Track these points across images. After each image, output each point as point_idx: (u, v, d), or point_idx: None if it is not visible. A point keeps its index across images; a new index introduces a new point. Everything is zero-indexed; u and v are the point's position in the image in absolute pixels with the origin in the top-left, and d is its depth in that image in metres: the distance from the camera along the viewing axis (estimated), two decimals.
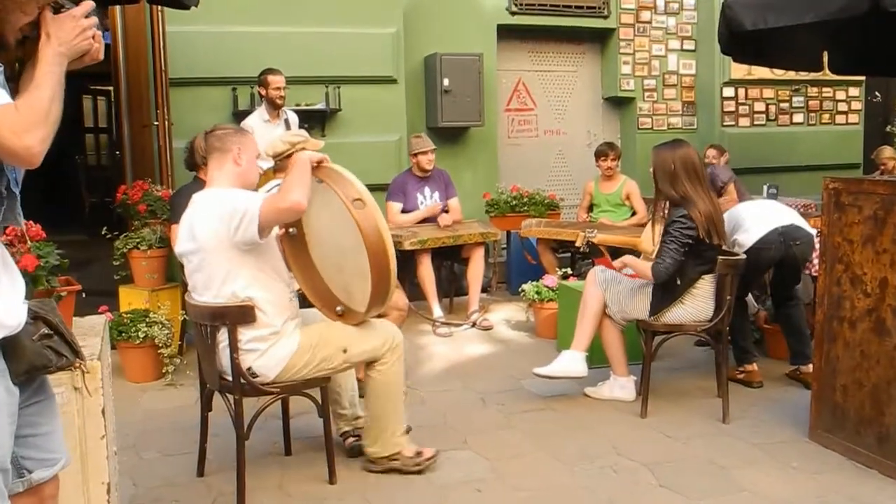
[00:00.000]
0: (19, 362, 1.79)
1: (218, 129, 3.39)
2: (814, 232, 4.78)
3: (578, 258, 7.12)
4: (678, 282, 4.23)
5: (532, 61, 8.69)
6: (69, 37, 1.77)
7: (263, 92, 6.17)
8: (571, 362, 4.49)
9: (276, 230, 3.33)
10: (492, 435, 4.10)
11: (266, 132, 6.01)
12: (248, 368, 3.19)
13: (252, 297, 3.14)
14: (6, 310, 1.75)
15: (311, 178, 3.14)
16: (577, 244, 4.41)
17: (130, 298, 5.54)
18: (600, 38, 8.83)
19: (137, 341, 4.91)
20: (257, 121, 6.12)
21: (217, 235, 3.08)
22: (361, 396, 3.98)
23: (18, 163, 1.69)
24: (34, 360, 1.82)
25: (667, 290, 4.25)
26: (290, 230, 3.40)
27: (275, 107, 6.17)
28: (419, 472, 3.58)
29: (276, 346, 3.22)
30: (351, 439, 3.77)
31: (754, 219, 4.80)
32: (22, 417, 1.85)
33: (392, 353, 3.46)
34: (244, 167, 3.30)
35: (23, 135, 1.64)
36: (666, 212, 4.34)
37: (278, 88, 6.13)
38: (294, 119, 6.41)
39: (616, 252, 5.03)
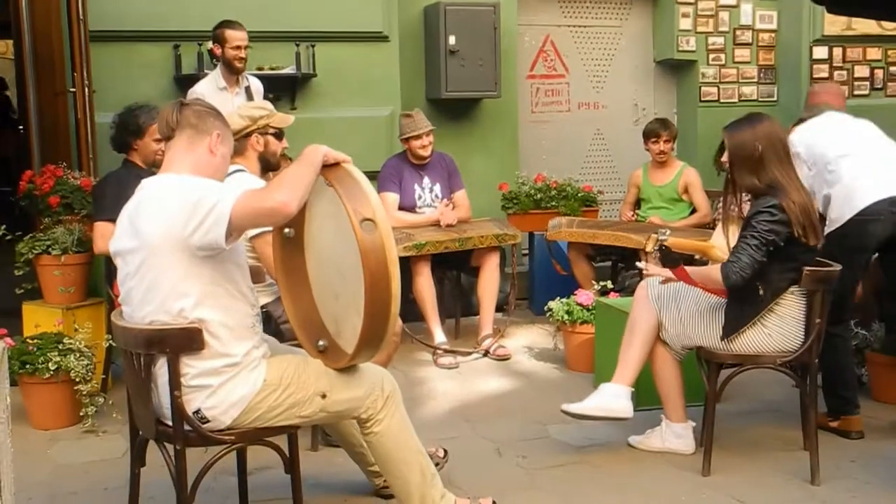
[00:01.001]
0: None
1: (197, 103, 3.39)
2: None
3: (621, 268, 7.13)
4: (761, 291, 4.21)
5: (563, 13, 8.72)
6: None
7: (218, 51, 6.20)
8: (612, 399, 4.49)
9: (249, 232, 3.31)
10: (510, 497, 4.08)
11: (221, 103, 6.01)
12: (196, 411, 3.19)
13: (204, 319, 3.14)
14: None
15: (314, 178, 3.13)
16: (648, 249, 4.38)
17: (38, 318, 5.55)
18: None
19: (47, 375, 4.91)
20: (210, 88, 6.15)
21: (169, 233, 3.06)
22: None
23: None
24: None
25: (747, 302, 4.22)
26: (287, 230, 3.40)
27: (233, 71, 6.20)
28: None
29: (233, 382, 3.20)
30: None
31: (860, 169, 4.72)
32: None
33: (386, 407, 3.47)
34: (218, 160, 3.31)
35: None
36: (742, 205, 4.33)
37: (238, 47, 6.16)
38: (258, 87, 6.43)
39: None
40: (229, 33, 6.13)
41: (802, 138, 4.87)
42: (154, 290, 3.13)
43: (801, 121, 5.22)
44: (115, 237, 3.30)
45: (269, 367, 3.29)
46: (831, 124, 5.01)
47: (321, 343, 3.42)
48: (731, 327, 4.27)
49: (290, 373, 3.30)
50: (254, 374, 3.24)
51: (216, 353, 3.16)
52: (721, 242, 4.64)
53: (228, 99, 6.07)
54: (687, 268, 4.37)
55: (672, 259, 4.29)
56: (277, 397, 3.26)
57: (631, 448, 4.63)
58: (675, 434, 4.57)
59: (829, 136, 4.94)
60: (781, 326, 4.24)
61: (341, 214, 3.12)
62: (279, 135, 4.50)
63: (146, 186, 3.26)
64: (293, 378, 3.30)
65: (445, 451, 4.32)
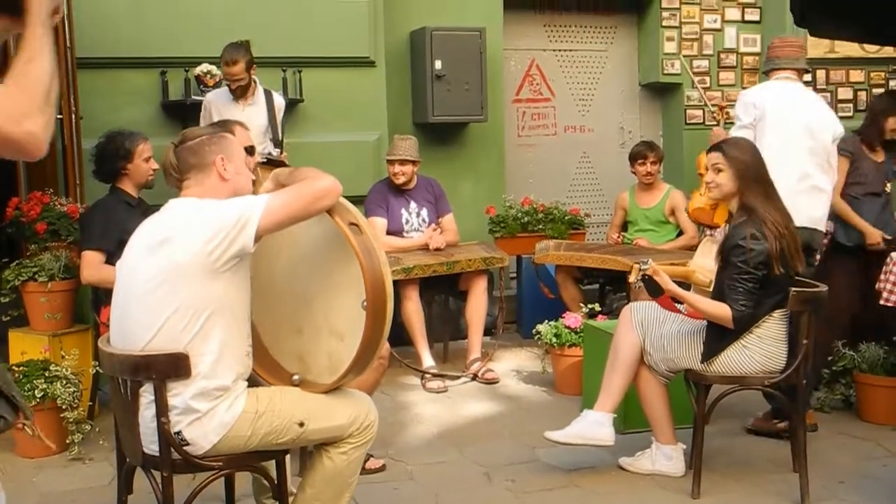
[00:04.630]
0: None
1: (188, 137, 3.36)
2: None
3: (609, 291, 7.12)
4: None
5: (549, 38, 8.76)
6: None
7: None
8: (594, 426, 4.49)
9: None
10: None
11: (230, 110, 6.06)
12: (177, 433, 3.16)
13: (208, 337, 3.11)
14: None
15: None
16: (632, 279, 4.39)
17: (24, 346, 5.51)
18: (637, 8, 8.92)
19: (33, 402, 4.86)
20: (222, 98, 6.24)
21: (196, 251, 3.06)
22: (297, 474, 3.97)
23: (19, 154, 1.79)
24: None
25: (725, 328, 4.27)
26: None
27: (231, 93, 6.23)
28: None
29: (220, 408, 3.18)
30: None
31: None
32: None
33: (359, 436, 3.41)
34: (232, 180, 3.30)
35: (23, 120, 1.73)
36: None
37: (228, 76, 6.21)
38: (280, 104, 6.47)
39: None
40: (222, 64, 6.17)
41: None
42: (165, 309, 3.10)
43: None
44: (128, 253, 3.26)
45: (248, 395, 3.27)
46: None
47: (296, 378, 3.41)
48: (711, 351, 4.29)
49: (267, 401, 3.27)
50: (237, 402, 3.21)
51: (208, 374, 3.13)
52: (702, 263, 4.65)
53: (238, 108, 6.16)
54: (693, 296, 4.37)
55: (655, 288, 4.30)
56: (253, 426, 3.23)
57: (620, 471, 4.62)
58: (664, 456, 4.56)
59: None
60: (762, 347, 4.26)
61: (301, 240, 3.12)
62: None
63: (173, 206, 3.26)
64: (268, 407, 3.25)
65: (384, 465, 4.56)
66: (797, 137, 5.00)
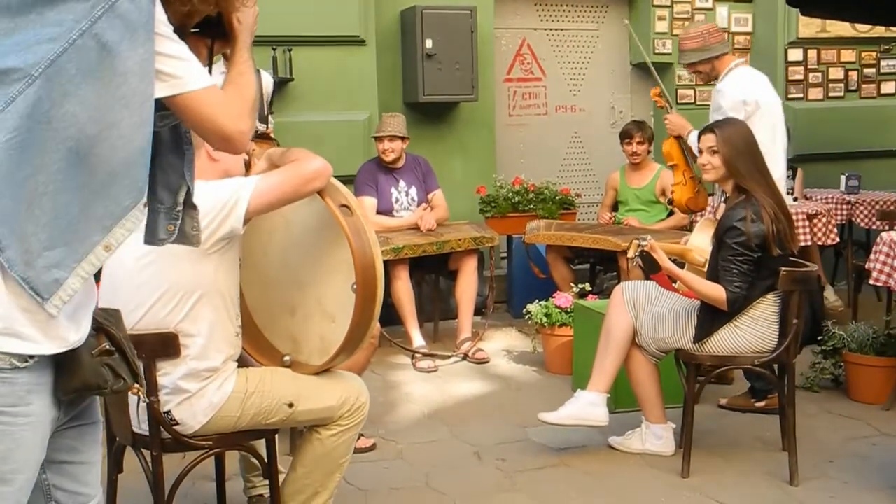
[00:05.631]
0: (72, 378, 1.95)
1: None
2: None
3: (600, 270, 7.13)
4: None
5: (540, 17, 8.74)
6: (252, 25, 2.33)
7: None
8: (589, 407, 4.50)
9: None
10: (489, 500, 4.10)
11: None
12: (167, 412, 3.17)
13: (198, 319, 3.12)
14: (74, 324, 1.91)
15: None
16: (630, 255, 4.39)
17: None
18: None
19: None
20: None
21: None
22: (287, 454, 3.98)
23: (226, 147, 2.14)
24: (89, 378, 1.99)
25: (719, 308, 4.28)
26: None
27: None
28: None
29: (209, 388, 3.19)
30: None
31: None
32: (59, 440, 2.04)
33: (350, 418, 3.41)
34: (222, 159, 3.28)
35: (237, 119, 2.08)
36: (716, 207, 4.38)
37: None
38: (268, 81, 6.44)
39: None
40: None
41: None
42: (154, 290, 3.11)
43: None
44: None
45: (238, 376, 3.27)
46: None
47: (286, 359, 3.42)
48: (704, 331, 4.30)
49: (256, 381, 3.28)
50: (227, 383, 3.22)
51: (198, 355, 3.14)
52: (699, 243, 4.66)
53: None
54: (688, 276, 4.38)
55: (653, 265, 4.30)
56: (242, 406, 3.23)
57: (610, 450, 4.64)
58: (654, 435, 4.57)
59: None
60: (754, 327, 4.27)
61: (294, 221, 3.11)
62: None
63: None
64: (258, 387, 3.26)
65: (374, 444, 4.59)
66: (781, 135, 5.01)
